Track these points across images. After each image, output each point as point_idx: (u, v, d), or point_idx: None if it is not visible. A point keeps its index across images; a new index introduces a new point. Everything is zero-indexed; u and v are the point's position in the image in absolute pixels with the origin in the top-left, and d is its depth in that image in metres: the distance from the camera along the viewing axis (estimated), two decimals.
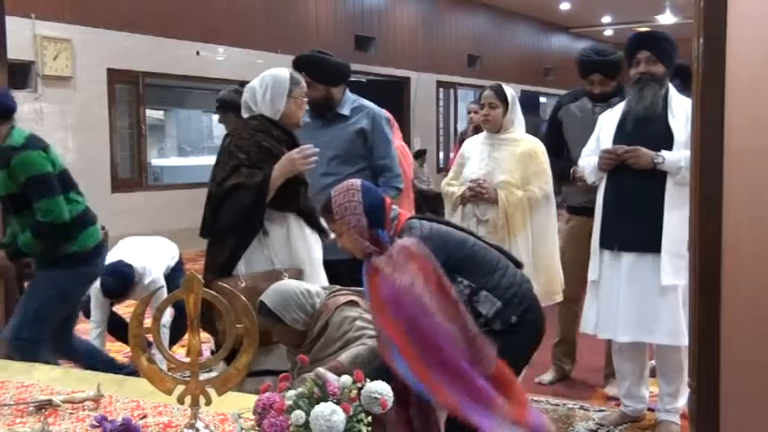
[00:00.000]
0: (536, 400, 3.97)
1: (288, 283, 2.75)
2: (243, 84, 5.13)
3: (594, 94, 4.06)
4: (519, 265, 2.75)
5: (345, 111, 3.66)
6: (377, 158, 3.62)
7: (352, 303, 2.73)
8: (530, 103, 15.80)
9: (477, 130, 5.16)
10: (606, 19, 16.90)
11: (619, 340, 3.47)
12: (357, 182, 2.64)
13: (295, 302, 2.64)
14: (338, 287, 2.85)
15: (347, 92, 3.72)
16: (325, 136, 3.56)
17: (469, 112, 6.12)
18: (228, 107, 4.63)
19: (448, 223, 2.78)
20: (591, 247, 3.57)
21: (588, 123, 3.97)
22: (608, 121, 3.57)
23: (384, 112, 3.77)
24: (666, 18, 15.46)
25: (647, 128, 3.39)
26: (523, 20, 17.05)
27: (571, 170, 3.88)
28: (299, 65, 3.62)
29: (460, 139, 5.82)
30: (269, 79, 3.08)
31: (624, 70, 4.02)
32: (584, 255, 3.75)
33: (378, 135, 3.63)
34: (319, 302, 2.69)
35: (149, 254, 4.53)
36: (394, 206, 2.65)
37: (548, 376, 4.29)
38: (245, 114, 3.14)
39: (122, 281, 4.23)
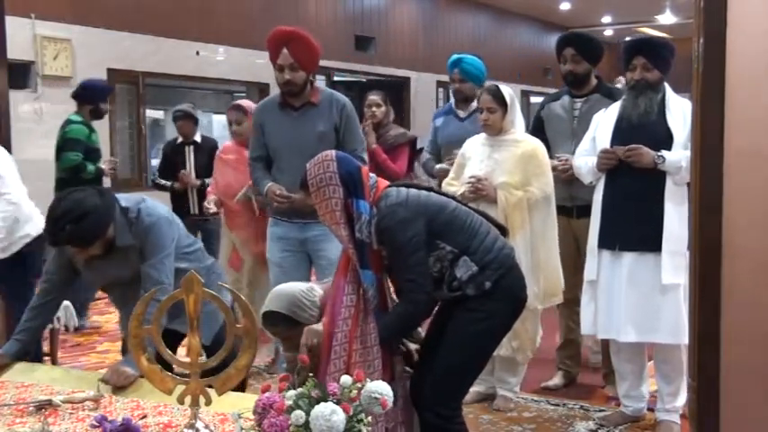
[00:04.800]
0: (536, 401, 3.97)
1: (287, 287, 2.73)
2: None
3: (565, 73, 4.06)
4: (504, 231, 2.76)
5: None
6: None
7: None
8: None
9: (376, 127, 4.97)
10: (606, 19, 16.85)
11: (621, 340, 3.47)
12: (331, 152, 2.62)
13: (306, 300, 2.62)
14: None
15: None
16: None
17: (370, 106, 5.04)
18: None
19: (430, 189, 2.75)
20: (588, 247, 3.56)
21: (568, 119, 3.98)
22: (604, 122, 3.57)
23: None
24: (666, 18, 15.42)
25: (647, 129, 3.39)
26: (523, 20, 17.01)
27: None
28: None
29: None
30: None
31: (605, 60, 4.08)
32: (565, 256, 3.80)
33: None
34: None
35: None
36: (372, 174, 2.63)
37: (554, 381, 4.20)
38: None
39: None
